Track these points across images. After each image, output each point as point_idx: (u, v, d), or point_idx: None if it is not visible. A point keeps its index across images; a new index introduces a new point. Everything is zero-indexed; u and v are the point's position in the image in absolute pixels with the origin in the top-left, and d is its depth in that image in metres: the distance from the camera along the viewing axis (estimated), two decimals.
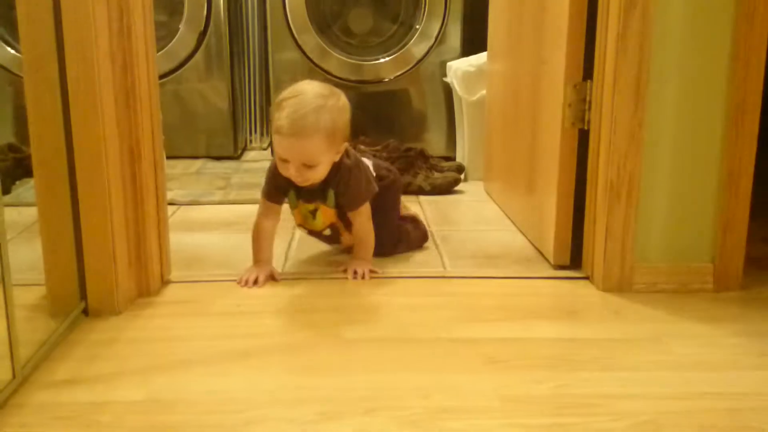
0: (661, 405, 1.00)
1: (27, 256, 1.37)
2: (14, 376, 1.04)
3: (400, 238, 1.67)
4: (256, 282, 1.46)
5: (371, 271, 1.52)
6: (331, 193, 1.48)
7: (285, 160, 1.39)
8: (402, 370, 1.11)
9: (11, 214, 1.97)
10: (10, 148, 2.41)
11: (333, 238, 1.64)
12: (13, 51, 2.67)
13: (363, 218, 1.52)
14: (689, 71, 1.40)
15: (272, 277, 1.49)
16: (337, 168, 1.45)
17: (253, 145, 3.30)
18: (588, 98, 1.49)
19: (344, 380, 1.07)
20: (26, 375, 1.07)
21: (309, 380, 1.07)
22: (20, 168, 2.30)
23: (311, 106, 1.35)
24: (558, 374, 1.10)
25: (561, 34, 1.51)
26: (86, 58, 1.22)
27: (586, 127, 1.50)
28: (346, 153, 1.48)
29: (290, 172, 1.39)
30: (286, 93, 1.40)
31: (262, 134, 3.32)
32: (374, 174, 1.59)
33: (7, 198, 2.15)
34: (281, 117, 1.36)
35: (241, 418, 0.96)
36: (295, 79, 2.89)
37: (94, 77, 1.22)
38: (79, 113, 1.23)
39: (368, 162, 1.61)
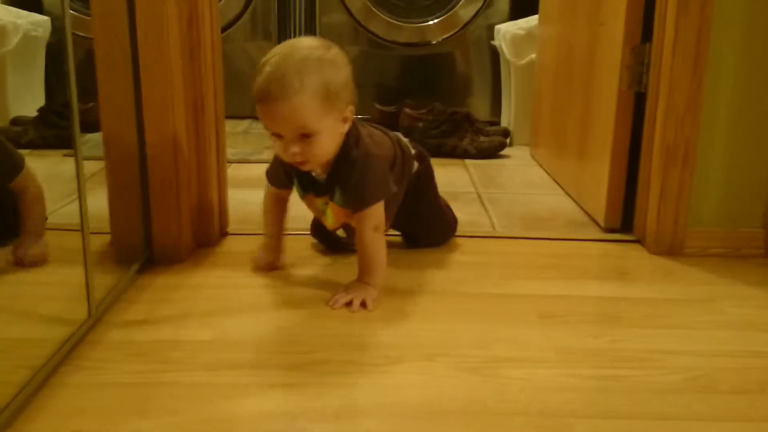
0: (714, 361, 1.02)
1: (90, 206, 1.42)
2: (90, 315, 1.09)
3: (451, 225, 1.51)
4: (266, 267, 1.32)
5: (363, 304, 1.16)
6: (338, 189, 1.22)
7: (278, 136, 1.13)
8: (458, 321, 1.14)
9: (99, 164, 2.05)
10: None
11: (350, 241, 1.38)
12: (73, 12, 2.72)
13: (369, 226, 1.19)
14: (750, 34, 1.39)
15: (274, 266, 1.33)
16: (345, 157, 1.18)
17: None
18: (646, 61, 1.48)
19: (403, 329, 1.10)
20: (99, 315, 1.12)
21: (369, 328, 1.10)
22: (83, 123, 2.36)
23: (294, 60, 1.09)
24: (612, 330, 1.12)
25: None
26: (155, 13, 1.25)
27: (643, 90, 1.50)
28: (356, 140, 1.19)
29: (288, 151, 1.12)
30: (269, 53, 1.13)
31: None
32: (412, 152, 1.38)
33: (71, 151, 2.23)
34: (260, 80, 1.10)
35: (309, 359, 1.01)
36: (341, 41, 2.97)
37: (162, 31, 1.26)
38: (148, 65, 1.27)
39: (409, 144, 1.39)
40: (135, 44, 1.26)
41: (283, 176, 1.29)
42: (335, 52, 1.14)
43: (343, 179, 1.19)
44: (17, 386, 0.88)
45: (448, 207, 1.53)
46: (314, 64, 1.09)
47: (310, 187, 1.26)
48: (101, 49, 1.27)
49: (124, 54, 1.27)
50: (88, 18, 1.27)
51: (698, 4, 1.37)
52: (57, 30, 2.79)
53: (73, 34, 3.00)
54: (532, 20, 2.43)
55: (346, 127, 1.16)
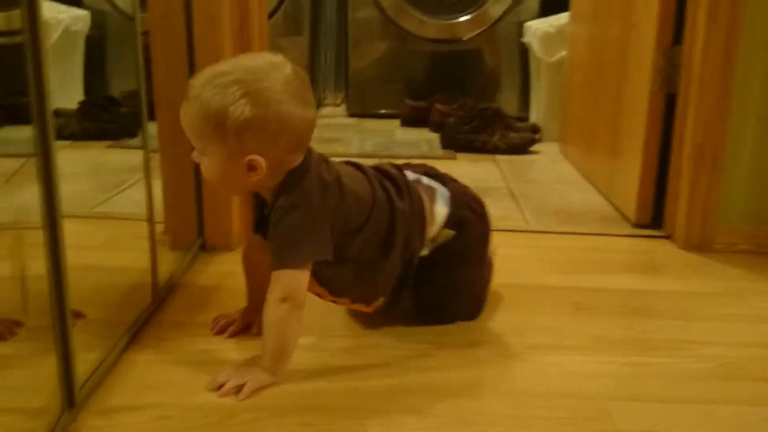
0: (743, 351, 1.08)
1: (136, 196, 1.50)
2: (153, 299, 1.17)
3: (481, 298, 1.18)
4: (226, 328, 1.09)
5: (239, 389, 0.93)
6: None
7: None
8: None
9: (142, 155, 2.14)
10: (137, 95, 2.57)
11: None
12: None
13: (275, 295, 0.94)
14: None
15: (245, 332, 1.10)
16: (275, 201, 0.95)
17: (327, 101, 3.40)
18: (677, 63, 1.53)
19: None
20: (163, 298, 1.20)
21: (407, 320, 1.16)
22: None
23: (228, 66, 0.92)
24: (644, 321, 1.18)
25: None
26: (210, 16, 1.32)
27: (674, 92, 1.55)
28: (292, 186, 0.94)
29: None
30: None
31: (335, 90, 3.40)
32: (439, 216, 1.08)
33: (134, 141, 2.32)
34: None
35: (356, 343, 1.08)
36: (371, 37, 3.03)
37: (216, 32, 1.33)
38: (203, 64, 1.34)
39: (438, 196, 1.10)
40: (191, 44, 1.33)
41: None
42: (269, 93, 0.89)
43: (270, 222, 0.96)
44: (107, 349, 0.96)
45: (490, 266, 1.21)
46: (229, 86, 0.89)
47: (259, 223, 1.03)
48: (159, 48, 1.34)
49: (181, 53, 1.34)
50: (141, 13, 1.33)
51: (727, 9, 1.42)
52: (96, 24, 2.88)
53: (132, 20, 3.06)
54: (563, 18, 2.47)
55: (252, 176, 0.93)
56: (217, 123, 0.89)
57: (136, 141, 2.34)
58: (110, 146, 2.36)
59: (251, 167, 0.92)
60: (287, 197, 0.94)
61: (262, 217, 1.01)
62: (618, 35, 1.81)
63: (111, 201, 1.75)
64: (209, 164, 0.94)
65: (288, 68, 0.92)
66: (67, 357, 0.86)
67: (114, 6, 2.86)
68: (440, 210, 1.08)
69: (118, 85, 2.86)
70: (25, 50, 0.77)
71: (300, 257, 0.94)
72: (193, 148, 0.96)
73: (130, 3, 1.18)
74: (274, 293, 0.94)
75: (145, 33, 1.31)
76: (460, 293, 1.13)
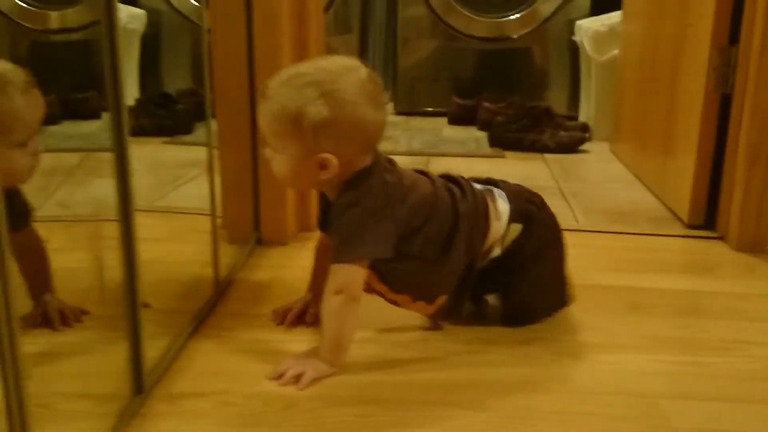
0: None
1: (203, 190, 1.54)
2: (215, 291, 1.21)
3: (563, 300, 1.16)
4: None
5: (298, 378, 0.96)
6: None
7: None
8: None
9: (198, 151, 2.21)
10: (192, 92, 2.65)
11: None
12: (194, 2, 2.88)
13: (332, 287, 0.97)
14: None
15: (302, 319, 1.13)
16: (339, 197, 0.99)
17: None
18: (733, 63, 1.52)
19: None
20: (223, 290, 1.24)
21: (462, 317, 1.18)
22: (200, 110, 2.51)
23: (305, 68, 0.96)
24: (697, 321, 1.19)
25: None
26: (270, 14, 1.36)
27: (729, 91, 1.53)
28: (357, 183, 0.98)
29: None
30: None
31: (384, 88, 3.43)
32: (502, 210, 1.08)
33: (189, 137, 2.40)
34: None
35: (411, 337, 1.11)
36: (420, 36, 3.05)
37: (275, 30, 1.36)
38: (262, 62, 1.38)
39: (497, 195, 1.09)
40: (251, 43, 1.37)
41: None
42: (344, 94, 0.93)
43: (332, 217, 0.99)
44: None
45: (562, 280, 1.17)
46: (305, 88, 0.93)
47: (323, 221, 1.07)
48: (220, 47, 1.38)
49: (241, 52, 1.38)
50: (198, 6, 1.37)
51: None
52: (151, 23, 2.95)
53: (189, 21, 3.16)
54: (614, 17, 2.46)
55: (322, 174, 0.96)
56: (294, 121, 0.93)
57: (191, 137, 2.42)
58: (166, 142, 2.42)
59: (323, 165, 0.95)
60: (350, 194, 0.97)
61: (325, 215, 1.04)
62: (672, 34, 1.80)
63: (169, 196, 1.80)
64: (282, 161, 0.98)
65: (363, 71, 0.95)
66: (137, 345, 0.90)
67: (170, 5, 2.94)
68: (503, 206, 1.08)
69: (173, 82, 2.93)
70: (102, 46, 0.81)
71: (356, 253, 0.97)
72: (265, 146, 1.00)
73: (187, 2, 1.21)
74: (330, 285, 0.98)
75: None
76: (548, 292, 1.15)
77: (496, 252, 1.09)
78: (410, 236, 1.01)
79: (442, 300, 1.08)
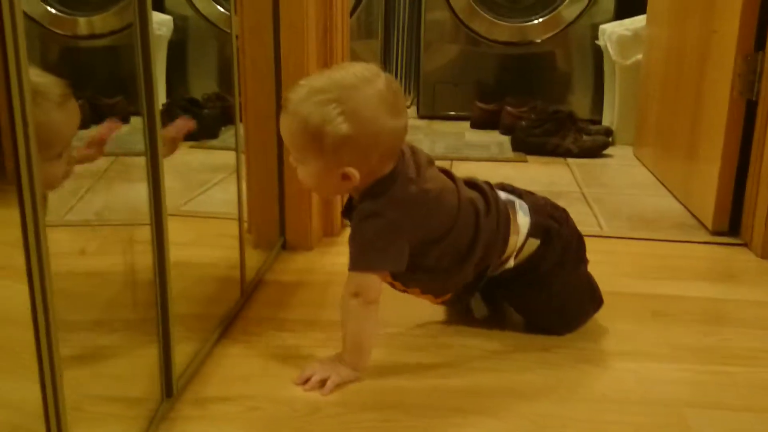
0: None
1: (229, 194, 1.57)
2: (241, 296, 1.23)
3: (593, 308, 1.17)
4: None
5: (323, 383, 0.98)
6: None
7: None
8: None
9: (223, 156, 2.24)
10: (218, 97, 2.68)
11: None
12: (221, 8, 2.92)
13: (349, 290, 0.99)
14: None
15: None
16: (361, 201, 1.01)
17: None
18: (758, 69, 1.51)
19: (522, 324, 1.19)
20: (249, 295, 1.26)
21: (484, 322, 1.19)
22: (226, 115, 2.57)
23: (323, 81, 0.96)
24: (722, 329, 1.18)
25: (735, 3, 1.54)
26: (297, 26, 1.37)
27: (754, 98, 1.53)
28: (383, 190, 0.99)
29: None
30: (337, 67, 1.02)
31: (406, 92, 3.44)
32: (522, 225, 1.09)
33: (215, 142, 2.42)
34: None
35: (435, 342, 1.12)
36: (442, 40, 3.05)
37: (302, 41, 1.38)
38: (289, 69, 1.39)
39: (518, 207, 1.10)
40: (278, 51, 1.39)
41: None
42: (367, 113, 0.94)
43: (352, 221, 1.02)
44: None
45: (587, 291, 1.18)
46: (327, 103, 0.94)
47: (347, 209, 1.08)
48: (248, 56, 1.40)
49: (268, 60, 1.40)
50: (227, 13, 1.39)
51: None
52: (178, 28, 2.98)
53: (222, 30, 3.20)
54: (639, 21, 2.45)
55: (346, 185, 0.99)
56: (315, 138, 0.95)
57: (217, 142, 2.45)
58: (192, 146, 2.45)
59: (345, 177, 0.97)
60: (373, 203, 0.99)
61: (350, 205, 1.07)
62: (697, 39, 1.79)
63: (196, 200, 1.83)
64: (306, 172, 1.00)
65: (381, 81, 0.96)
66: (167, 349, 0.92)
67: (196, 11, 2.97)
68: (523, 220, 1.09)
69: (199, 87, 2.96)
70: (135, 51, 0.83)
71: (373, 265, 0.99)
72: (290, 154, 1.03)
73: (213, 8, 1.23)
74: (347, 289, 1.00)
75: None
76: (566, 306, 1.14)
77: (510, 264, 1.09)
78: (427, 249, 1.02)
79: (448, 296, 1.12)
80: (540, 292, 1.12)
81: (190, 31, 3.01)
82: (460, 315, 1.19)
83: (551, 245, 1.09)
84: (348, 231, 1.03)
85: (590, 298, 1.16)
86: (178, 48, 3.01)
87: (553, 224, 1.10)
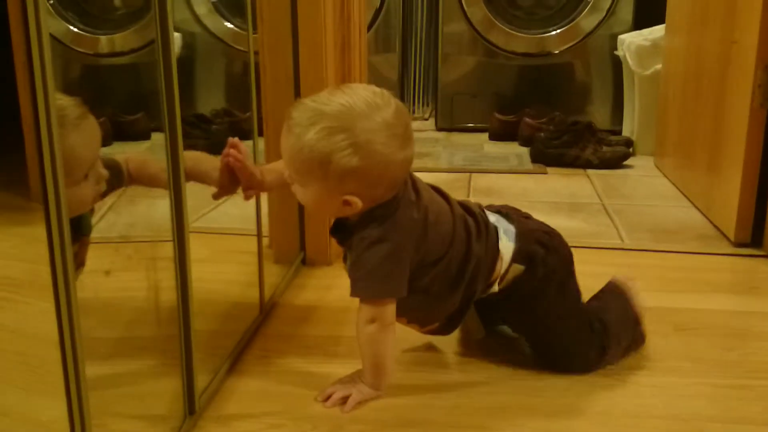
0: None
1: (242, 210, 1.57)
2: (261, 312, 1.24)
3: (594, 342, 1.08)
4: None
5: (344, 400, 0.99)
6: (350, 253, 1.01)
7: None
8: None
9: None
10: (226, 113, 2.70)
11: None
12: (229, 24, 2.94)
13: (364, 317, 0.98)
14: None
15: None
16: (364, 226, 0.97)
17: (416, 115, 3.44)
18: None
19: None
20: (268, 311, 1.27)
21: (499, 338, 1.19)
22: (233, 131, 2.57)
23: (332, 106, 0.92)
24: (745, 343, 1.17)
25: (755, 14, 1.53)
26: (315, 43, 1.39)
27: None
28: (384, 217, 0.96)
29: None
30: (346, 88, 0.96)
31: (424, 104, 3.45)
32: (504, 249, 1.05)
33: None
34: (300, 99, 0.97)
35: (455, 359, 1.12)
36: (460, 52, 3.07)
37: (320, 58, 1.39)
38: (308, 85, 1.41)
39: (502, 233, 1.06)
40: (297, 68, 1.40)
41: None
42: (377, 146, 0.91)
43: (354, 246, 0.99)
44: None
45: (618, 294, 1.16)
46: (340, 131, 0.90)
47: (340, 227, 1.03)
48: (268, 73, 1.42)
49: (288, 76, 1.41)
50: (243, 32, 1.41)
51: None
52: (186, 45, 2.97)
53: (230, 46, 3.21)
54: (657, 31, 2.44)
55: (347, 209, 0.96)
56: (321, 166, 0.92)
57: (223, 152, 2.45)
58: None
59: (347, 203, 0.95)
60: (376, 228, 0.96)
61: (340, 225, 1.02)
62: (717, 49, 1.78)
63: (208, 216, 1.82)
64: (304, 194, 0.97)
65: (390, 109, 0.93)
66: (190, 366, 0.93)
67: (204, 27, 2.97)
68: (506, 246, 1.06)
69: (207, 103, 2.96)
70: (157, 67, 0.84)
71: (383, 292, 0.97)
72: (288, 172, 0.99)
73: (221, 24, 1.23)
74: (362, 315, 0.98)
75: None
76: (555, 335, 1.08)
77: (495, 288, 1.06)
78: (422, 273, 1.00)
79: (434, 326, 1.09)
80: (524, 315, 1.09)
81: (197, 48, 3.02)
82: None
83: (533, 272, 1.05)
84: (338, 250, 1.01)
85: (588, 336, 1.08)
86: (186, 64, 3.03)
87: (539, 250, 1.06)
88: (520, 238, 1.06)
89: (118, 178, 1.05)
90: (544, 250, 1.06)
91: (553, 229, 1.11)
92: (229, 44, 2.92)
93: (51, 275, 0.66)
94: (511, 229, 1.07)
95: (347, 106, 0.92)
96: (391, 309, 0.98)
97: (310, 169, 0.93)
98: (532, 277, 1.05)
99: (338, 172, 0.92)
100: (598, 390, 1.03)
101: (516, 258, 1.05)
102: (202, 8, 2.91)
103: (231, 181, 1.09)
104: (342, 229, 1.02)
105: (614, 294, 1.16)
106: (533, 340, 1.12)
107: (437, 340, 1.15)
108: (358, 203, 0.95)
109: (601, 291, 1.18)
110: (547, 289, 1.06)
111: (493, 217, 1.08)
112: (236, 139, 1.10)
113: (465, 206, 1.07)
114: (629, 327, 1.11)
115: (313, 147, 0.91)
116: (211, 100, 2.97)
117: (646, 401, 1.00)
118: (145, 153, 1.15)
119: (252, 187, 1.10)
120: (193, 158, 1.09)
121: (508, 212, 1.11)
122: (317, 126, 0.91)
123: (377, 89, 0.96)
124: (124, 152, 2.47)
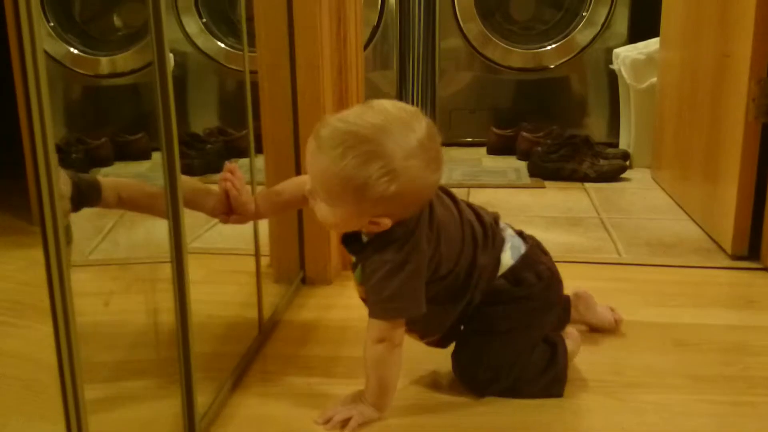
0: None
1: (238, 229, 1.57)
2: (260, 333, 1.24)
3: (524, 375, 1.06)
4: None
5: (345, 422, 0.98)
6: (359, 269, 1.02)
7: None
8: (592, 346, 1.21)
9: None
10: (220, 131, 2.71)
11: None
12: (221, 44, 2.95)
13: (373, 336, 0.98)
14: None
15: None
16: (383, 246, 0.97)
17: None
18: None
19: None
20: (267, 332, 1.27)
21: None
22: (228, 149, 2.58)
23: (365, 128, 0.90)
24: (744, 358, 1.18)
25: (747, 28, 1.54)
26: (312, 65, 1.40)
27: None
28: (406, 239, 0.96)
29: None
30: (387, 104, 0.94)
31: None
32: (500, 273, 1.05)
33: (218, 176, 2.44)
34: (335, 115, 0.94)
35: (454, 379, 1.11)
36: (457, 67, 3.08)
37: (317, 79, 1.40)
38: (305, 107, 1.42)
39: (508, 247, 1.06)
40: (295, 89, 1.41)
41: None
42: (413, 172, 0.90)
43: (369, 265, 0.98)
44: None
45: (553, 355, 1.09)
46: (372, 158, 0.88)
47: (352, 239, 1.02)
48: (267, 94, 1.43)
49: (286, 96, 1.42)
50: (239, 52, 1.41)
51: None
52: (178, 64, 2.96)
53: (223, 65, 3.22)
54: (652, 44, 2.46)
55: (373, 227, 0.95)
56: (356, 192, 0.90)
57: (220, 176, 2.45)
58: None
59: (374, 223, 0.94)
60: (397, 252, 0.95)
61: (354, 235, 1.02)
62: (711, 63, 1.80)
63: (203, 236, 1.82)
64: (330, 212, 0.95)
65: (422, 129, 0.91)
66: (190, 389, 0.93)
67: (195, 47, 2.97)
68: (506, 259, 1.05)
69: (200, 122, 2.96)
70: (154, 87, 0.85)
71: (400, 313, 0.98)
72: (311, 188, 0.96)
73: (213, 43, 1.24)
74: (371, 334, 0.98)
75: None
76: (501, 359, 1.05)
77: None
78: (432, 287, 1.00)
79: (435, 337, 1.09)
80: (483, 324, 1.06)
81: (189, 67, 3.02)
82: None
83: (513, 291, 1.04)
84: (338, 269, 1.02)
85: (543, 371, 1.07)
86: (178, 84, 3.03)
87: (532, 279, 1.05)
88: (524, 259, 1.05)
89: (90, 196, 1.05)
90: (536, 281, 1.05)
91: (559, 275, 1.09)
92: (221, 63, 2.93)
93: (49, 300, 0.67)
94: (521, 248, 1.06)
95: (380, 127, 0.90)
96: (401, 330, 0.99)
97: (343, 192, 0.91)
98: (506, 295, 1.04)
99: (374, 199, 0.90)
100: (596, 408, 1.03)
101: (507, 275, 1.04)
102: (194, 28, 2.92)
103: (230, 207, 1.10)
104: (354, 240, 1.01)
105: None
106: (474, 350, 1.07)
107: (431, 357, 1.15)
108: (387, 224, 0.94)
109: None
110: (514, 315, 1.05)
111: (508, 231, 1.08)
112: (234, 165, 1.10)
113: (476, 212, 1.06)
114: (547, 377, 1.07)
115: (349, 172, 0.89)
116: (203, 120, 2.98)
117: (647, 419, 1.00)
118: (141, 181, 1.15)
119: (245, 216, 1.11)
120: (188, 185, 1.08)
121: (528, 238, 1.09)
122: (353, 151, 0.89)
123: (407, 106, 0.94)
124: (126, 172, 2.49)
